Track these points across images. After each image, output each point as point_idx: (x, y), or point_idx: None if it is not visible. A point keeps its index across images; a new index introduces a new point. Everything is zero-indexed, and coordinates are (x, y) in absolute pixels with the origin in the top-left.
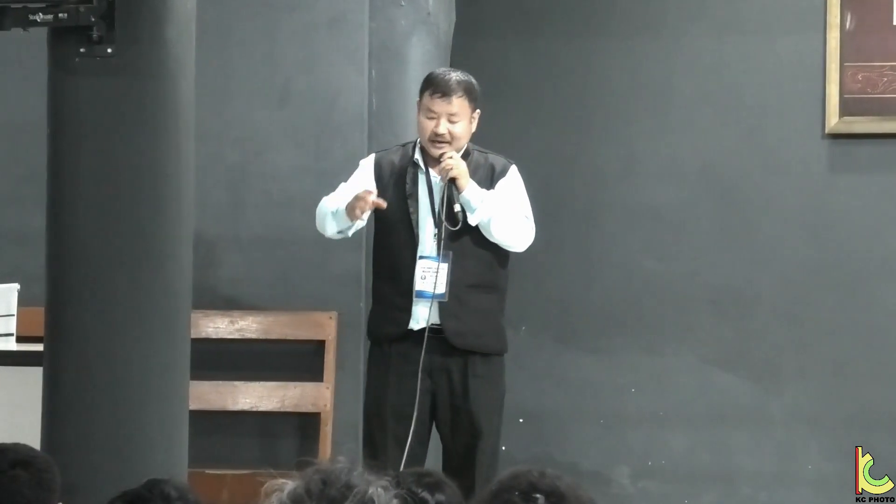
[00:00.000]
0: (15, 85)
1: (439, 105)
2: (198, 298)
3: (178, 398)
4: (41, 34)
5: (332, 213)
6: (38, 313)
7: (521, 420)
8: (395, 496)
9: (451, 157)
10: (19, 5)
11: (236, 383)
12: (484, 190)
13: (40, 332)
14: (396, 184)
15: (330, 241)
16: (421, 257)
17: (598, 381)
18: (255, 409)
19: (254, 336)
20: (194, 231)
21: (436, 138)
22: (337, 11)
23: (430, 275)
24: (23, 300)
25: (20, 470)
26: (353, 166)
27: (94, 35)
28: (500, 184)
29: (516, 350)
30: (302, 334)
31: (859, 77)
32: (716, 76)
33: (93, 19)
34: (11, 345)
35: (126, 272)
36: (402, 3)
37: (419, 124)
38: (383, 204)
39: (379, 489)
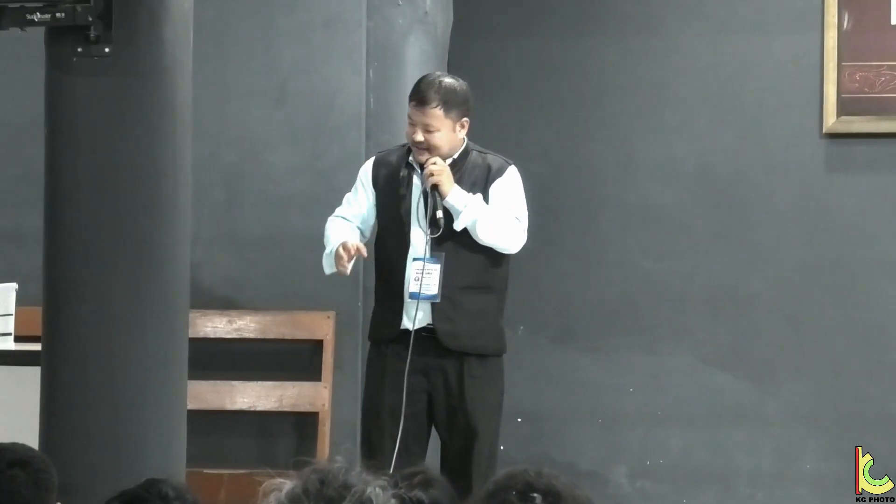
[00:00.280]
0: (12, 84)
1: (416, 114)
2: (196, 298)
3: (175, 398)
4: (38, 34)
5: (326, 255)
6: (36, 313)
7: (518, 420)
8: (393, 496)
9: (434, 164)
10: (17, 5)
11: (234, 383)
12: (468, 194)
13: (38, 332)
14: (392, 185)
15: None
16: (414, 259)
17: (596, 380)
18: (252, 409)
19: (251, 335)
20: (192, 231)
21: (415, 146)
22: (334, 11)
23: (423, 276)
24: (20, 300)
25: (17, 470)
26: (350, 165)
27: (92, 35)
28: (495, 184)
29: (514, 350)
30: (300, 334)
31: (857, 77)
32: (713, 76)
33: (90, 19)
34: (9, 344)
35: (123, 271)
36: (400, 3)
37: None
38: (364, 253)
39: (377, 489)
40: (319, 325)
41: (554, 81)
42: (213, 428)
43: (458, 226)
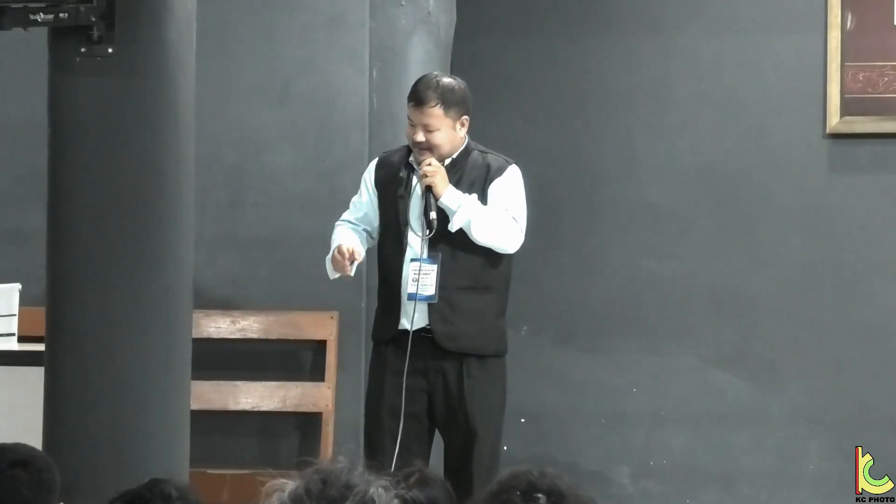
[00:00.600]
0: (15, 85)
1: (414, 114)
2: (199, 298)
3: (179, 398)
4: (41, 34)
5: (328, 259)
6: (39, 313)
7: (521, 420)
8: (396, 496)
9: (429, 165)
10: (20, 5)
11: (237, 383)
12: (463, 195)
13: (41, 332)
14: (392, 186)
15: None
16: (412, 259)
17: (599, 380)
18: (256, 409)
19: (255, 336)
20: (195, 231)
21: (415, 146)
22: (337, 11)
23: (420, 277)
24: (23, 300)
25: (20, 470)
26: (353, 166)
27: (95, 35)
28: (494, 183)
29: (517, 350)
30: (303, 334)
31: (860, 77)
32: (716, 76)
33: (93, 19)
34: (13, 344)
35: (127, 272)
36: (403, 3)
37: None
38: (357, 256)
39: (379, 489)
40: (322, 326)
41: (556, 82)
42: (216, 428)
43: (452, 227)
